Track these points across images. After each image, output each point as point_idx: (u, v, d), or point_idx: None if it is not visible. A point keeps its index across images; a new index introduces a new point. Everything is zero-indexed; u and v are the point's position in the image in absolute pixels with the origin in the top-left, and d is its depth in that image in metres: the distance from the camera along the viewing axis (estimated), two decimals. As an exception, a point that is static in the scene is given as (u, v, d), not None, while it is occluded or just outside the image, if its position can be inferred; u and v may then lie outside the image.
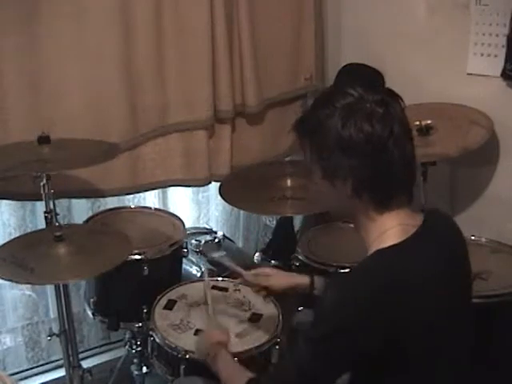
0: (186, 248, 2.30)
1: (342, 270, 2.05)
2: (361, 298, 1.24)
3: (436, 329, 1.29)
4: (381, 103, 1.29)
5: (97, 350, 2.75)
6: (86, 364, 2.27)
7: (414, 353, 1.27)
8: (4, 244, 1.97)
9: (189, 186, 2.69)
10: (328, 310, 1.29)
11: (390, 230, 1.32)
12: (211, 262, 2.47)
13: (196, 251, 2.51)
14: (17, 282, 2.21)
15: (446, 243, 1.39)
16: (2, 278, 1.83)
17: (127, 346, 2.38)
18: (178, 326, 1.88)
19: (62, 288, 2.01)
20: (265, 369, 1.76)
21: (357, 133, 1.27)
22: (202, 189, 2.82)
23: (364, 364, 1.28)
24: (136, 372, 2.38)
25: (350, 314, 1.25)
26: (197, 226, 2.86)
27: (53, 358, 2.65)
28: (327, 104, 1.32)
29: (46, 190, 2.00)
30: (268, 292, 1.79)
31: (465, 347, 1.40)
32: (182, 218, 2.40)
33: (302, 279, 1.76)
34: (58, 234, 1.88)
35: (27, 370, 2.63)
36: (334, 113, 1.29)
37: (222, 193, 2.34)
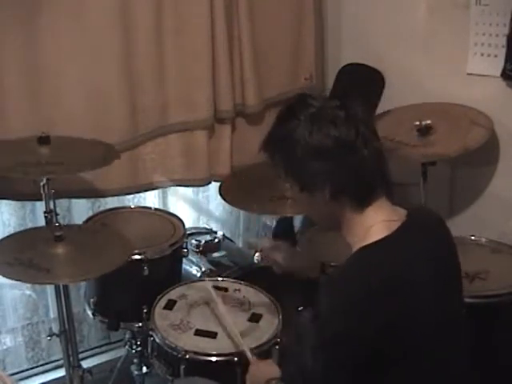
0: (186, 248, 2.30)
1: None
2: (355, 301, 1.24)
3: (429, 324, 1.30)
4: (341, 108, 1.33)
5: (97, 350, 2.75)
6: (86, 364, 2.27)
7: (410, 350, 1.27)
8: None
9: (189, 186, 2.69)
10: (326, 317, 1.29)
11: (373, 226, 1.33)
12: (211, 262, 2.47)
13: (196, 251, 2.51)
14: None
15: (432, 237, 1.39)
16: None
17: (127, 346, 2.38)
18: (178, 326, 1.88)
19: (62, 288, 2.01)
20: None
21: (324, 138, 1.30)
22: (201, 189, 2.82)
23: (364, 364, 1.28)
24: (136, 372, 2.37)
25: (348, 318, 1.25)
26: (197, 225, 2.87)
27: (53, 358, 2.65)
28: (291, 117, 1.35)
29: (46, 190, 2.00)
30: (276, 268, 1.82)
31: (462, 346, 1.40)
32: (182, 218, 2.40)
33: (312, 273, 1.79)
34: (57, 233, 1.87)
35: (27, 369, 2.62)
36: (299, 124, 1.33)
37: (222, 193, 2.34)
